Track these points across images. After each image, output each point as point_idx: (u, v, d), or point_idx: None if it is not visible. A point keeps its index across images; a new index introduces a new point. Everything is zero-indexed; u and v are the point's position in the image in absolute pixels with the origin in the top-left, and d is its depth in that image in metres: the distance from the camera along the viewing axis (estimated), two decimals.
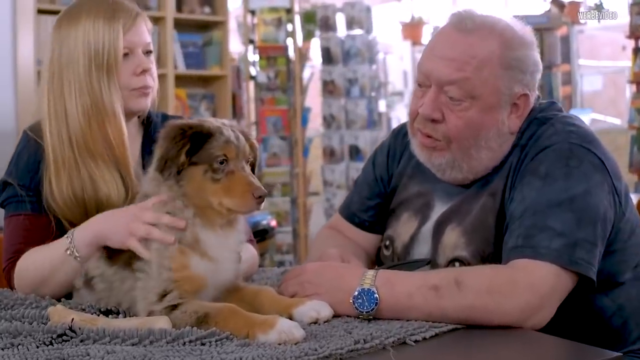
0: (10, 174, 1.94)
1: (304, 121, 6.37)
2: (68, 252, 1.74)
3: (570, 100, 6.86)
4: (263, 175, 6.26)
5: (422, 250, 1.90)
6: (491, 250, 1.76)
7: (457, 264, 1.81)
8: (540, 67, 1.84)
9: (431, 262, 1.85)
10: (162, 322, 1.49)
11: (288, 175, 6.31)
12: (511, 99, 1.79)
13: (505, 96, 1.78)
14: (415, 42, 9.64)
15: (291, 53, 6.31)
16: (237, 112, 6.88)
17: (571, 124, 1.79)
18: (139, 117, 2.06)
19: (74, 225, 1.86)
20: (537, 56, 1.83)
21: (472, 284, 1.58)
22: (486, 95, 1.77)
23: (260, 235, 5.15)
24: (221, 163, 1.58)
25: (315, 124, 7.51)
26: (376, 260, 2.07)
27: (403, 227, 1.97)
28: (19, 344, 1.44)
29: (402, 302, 1.59)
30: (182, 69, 5.95)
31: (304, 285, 1.68)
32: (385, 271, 1.66)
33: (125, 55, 1.91)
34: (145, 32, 1.96)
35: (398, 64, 9.70)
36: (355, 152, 6.74)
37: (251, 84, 6.57)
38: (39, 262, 1.81)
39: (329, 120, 6.73)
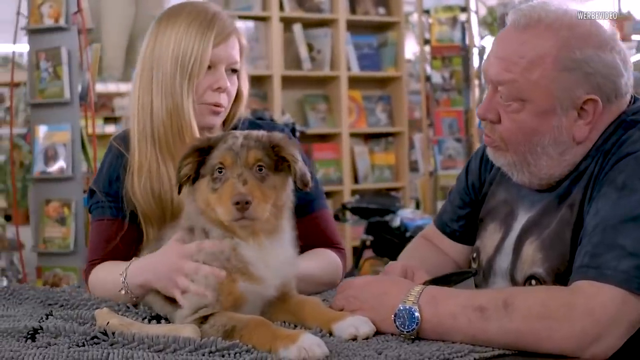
0: (95, 181, 2.01)
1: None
2: (122, 292, 1.76)
3: None
4: (438, 178, 6.12)
5: (503, 264, 1.75)
6: (566, 268, 1.58)
7: (533, 281, 1.65)
8: (621, 70, 1.61)
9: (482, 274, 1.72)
10: (188, 331, 1.47)
11: None
12: (573, 104, 1.60)
13: (563, 100, 1.59)
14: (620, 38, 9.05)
15: (468, 52, 6.12)
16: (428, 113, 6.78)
17: None
18: (223, 126, 2.04)
19: (151, 223, 1.90)
20: (613, 58, 1.60)
21: (522, 307, 1.42)
22: (537, 98, 1.60)
23: None
24: (220, 172, 1.53)
25: None
26: None
27: (489, 239, 1.83)
28: (55, 344, 1.48)
29: (445, 323, 1.46)
30: (356, 70, 5.96)
31: (349, 299, 1.59)
32: (433, 288, 1.53)
33: (209, 68, 1.90)
34: (235, 50, 1.94)
35: None
36: None
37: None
38: (104, 286, 1.85)
39: None
